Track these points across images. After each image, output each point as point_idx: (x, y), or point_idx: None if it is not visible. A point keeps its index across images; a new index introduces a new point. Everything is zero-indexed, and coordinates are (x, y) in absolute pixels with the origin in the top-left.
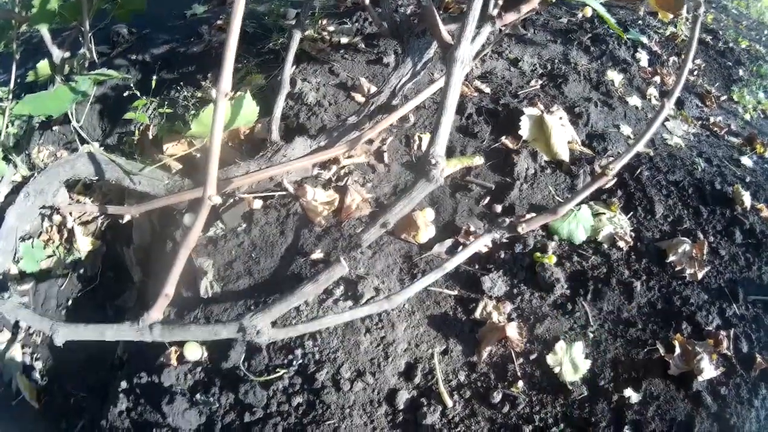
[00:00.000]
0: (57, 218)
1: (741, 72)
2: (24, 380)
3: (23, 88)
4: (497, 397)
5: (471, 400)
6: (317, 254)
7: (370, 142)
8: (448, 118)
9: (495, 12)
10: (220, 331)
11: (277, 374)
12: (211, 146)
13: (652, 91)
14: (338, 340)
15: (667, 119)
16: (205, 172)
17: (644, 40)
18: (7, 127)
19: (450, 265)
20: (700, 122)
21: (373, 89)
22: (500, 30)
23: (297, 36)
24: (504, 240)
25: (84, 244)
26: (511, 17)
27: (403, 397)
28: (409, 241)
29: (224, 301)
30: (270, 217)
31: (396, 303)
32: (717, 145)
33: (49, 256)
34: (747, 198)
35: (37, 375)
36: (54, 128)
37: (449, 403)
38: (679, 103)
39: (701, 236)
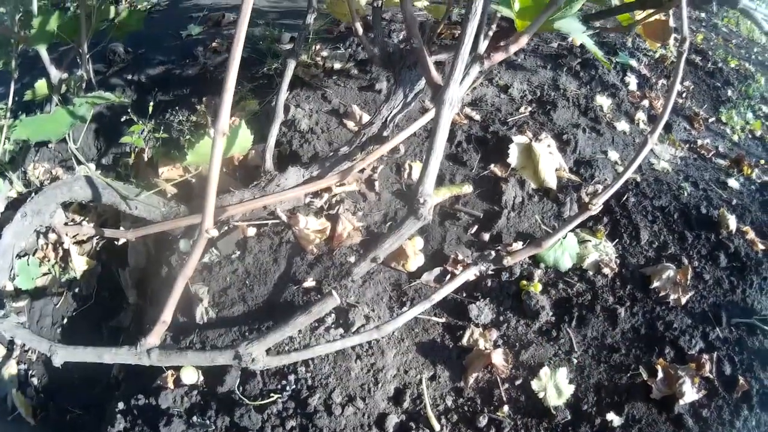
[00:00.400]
0: (52, 236)
1: (730, 92)
2: (19, 396)
3: (20, 105)
4: (483, 421)
5: (458, 424)
6: (309, 282)
7: (362, 170)
8: (437, 158)
9: (484, 50)
10: (217, 358)
11: (271, 399)
12: (209, 182)
13: (641, 116)
14: (330, 366)
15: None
16: (203, 206)
17: (633, 63)
18: (3, 143)
19: (437, 297)
20: (687, 145)
21: (365, 116)
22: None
23: (291, 64)
24: (490, 271)
25: (79, 264)
26: (499, 57)
27: (392, 421)
28: (398, 269)
29: (219, 327)
30: (263, 244)
31: (385, 332)
32: (704, 168)
33: (44, 274)
34: (732, 221)
35: (32, 391)
36: (50, 146)
37: (437, 427)
38: (667, 127)
39: (686, 261)
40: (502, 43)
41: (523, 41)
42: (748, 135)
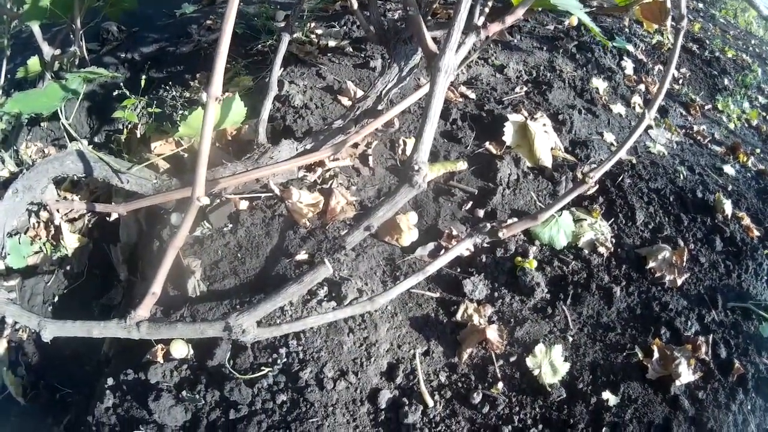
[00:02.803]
0: (44, 214)
1: (726, 81)
2: (10, 375)
3: (12, 83)
4: (477, 397)
5: (452, 400)
6: (302, 255)
7: (356, 145)
8: (431, 127)
9: (480, 22)
10: (207, 330)
11: (262, 372)
12: (201, 149)
13: (637, 99)
14: (322, 340)
15: (650, 127)
16: (194, 174)
17: (630, 48)
18: None
19: (432, 269)
20: (683, 131)
21: (360, 93)
22: (486, 37)
23: (286, 39)
24: (485, 244)
25: (71, 241)
26: (495, 28)
27: (385, 396)
28: (392, 243)
29: (210, 300)
30: (256, 218)
31: (379, 304)
32: (700, 153)
33: (35, 252)
34: (728, 206)
35: (23, 370)
36: (42, 124)
37: (430, 403)
38: (663, 112)
39: (681, 243)
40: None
41: (519, 13)
42: (744, 124)
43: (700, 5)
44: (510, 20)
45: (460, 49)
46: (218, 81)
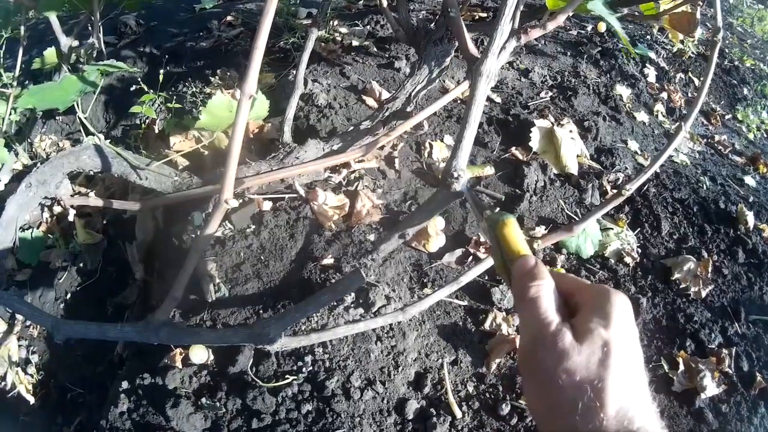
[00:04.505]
0: (57, 209)
1: (746, 91)
2: (19, 374)
3: (28, 75)
4: (505, 408)
5: (480, 411)
6: (328, 259)
7: (381, 147)
8: (471, 132)
9: (516, 26)
10: (231, 337)
11: (287, 381)
12: (231, 149)
13: (659, 108)
14: (349, 348)
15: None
16: (223, 174)
17: (652, 55)
18: (9, 114)
19: (466, 279)
20: (705, 140)
21: (385, 94)
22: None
23: (313, 35)
24: None
25: (84, 237)
26: (536, 33)
27: (412, 406)
28: (419, 249)
29: (232, 305)
30: (280, 219)
31: (410, 315)
32: (721, 163)
33: (48, 248)
34: (750, 218)
35: (32, 369)
36: (57, 118)
37: (458, 413)
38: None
39: (705, 254)
40: (536, 21)
41: (561, 19)
42: (763, 134)
43: None
44: (551, 26)
45: (501, 54)
46: (253, 78)
